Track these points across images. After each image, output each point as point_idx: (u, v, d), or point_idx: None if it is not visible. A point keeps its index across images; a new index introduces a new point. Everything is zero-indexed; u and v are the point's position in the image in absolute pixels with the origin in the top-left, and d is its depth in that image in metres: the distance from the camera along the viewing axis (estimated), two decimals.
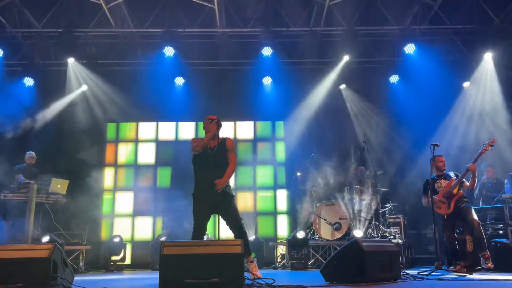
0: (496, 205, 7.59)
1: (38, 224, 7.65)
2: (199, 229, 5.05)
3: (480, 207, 7.64)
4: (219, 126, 5.27)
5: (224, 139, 5.31)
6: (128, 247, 9.59)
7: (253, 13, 9.52)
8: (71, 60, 9.81)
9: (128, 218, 10.06)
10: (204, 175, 5.14)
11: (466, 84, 10.14)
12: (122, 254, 8.85)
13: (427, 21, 9.45)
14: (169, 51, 9.42)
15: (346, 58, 9.80)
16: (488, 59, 9.64)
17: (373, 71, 10.44)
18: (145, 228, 10.03)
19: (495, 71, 9.61)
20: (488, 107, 9.67)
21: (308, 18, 9.56)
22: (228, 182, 5.22)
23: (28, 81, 9.89)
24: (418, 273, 5.43)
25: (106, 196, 10.16)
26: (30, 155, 8.58)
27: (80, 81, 10.09)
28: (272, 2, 9.35)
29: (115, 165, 10.41)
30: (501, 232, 7.19)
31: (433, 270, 5.58)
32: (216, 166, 5.12)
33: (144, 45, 10.13)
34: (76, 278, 4.36)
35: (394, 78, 10.46)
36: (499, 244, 6.42)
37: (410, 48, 9.40)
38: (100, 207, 9.96)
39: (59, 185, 7.98)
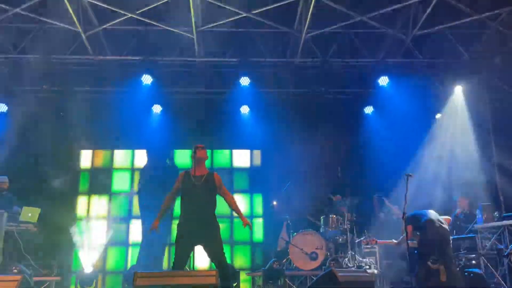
0: (468, 235, 7.71)
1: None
2: (181, 262, 4.97)
3: (453, 237, 7.74)
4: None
5: (212, 173, 5.40)
6: (100, 278, 9.33)
7: (231, 44, 9.65)
8: (48, 86, 9.69)
9: (100, 248, 9.80)
10: (190, 205, 5.15)
11: (438, 116, 10.39)
12: (94, 285, 8.61)
13: (400, 55, 9.74)
14: (147, 79, 9.45)
15: (321, 88, 9.99)
16: (458, 92, 9.91)
17: (348, 102, 10.63)
18: (118, 258, 9.80)
19: (466, 104, 9.90)
20: (458, 139, 9.89)
21: (285, 50, 9.75)
22: (214, 212, 5.22)
23: (1, 107, 9.73)
24: None
25: (79, 225, 9.92)
26: (2, 178, 8.07)
27: (56, 108, 9.93)
28: (249, 33, 9.52)
29: (88, 193, 10.21)
30: (473, 262, 7.29)
31: None
32: (203, 197, 5.15)
33: (122, 73, 10.10)
34: None
35: (368, 109, 10.68)
36: (471, 275, 6.50)
37: (383, 81, 9.64)
38: (72, 237, 9.69)
39: (30, 214, 7.69)
